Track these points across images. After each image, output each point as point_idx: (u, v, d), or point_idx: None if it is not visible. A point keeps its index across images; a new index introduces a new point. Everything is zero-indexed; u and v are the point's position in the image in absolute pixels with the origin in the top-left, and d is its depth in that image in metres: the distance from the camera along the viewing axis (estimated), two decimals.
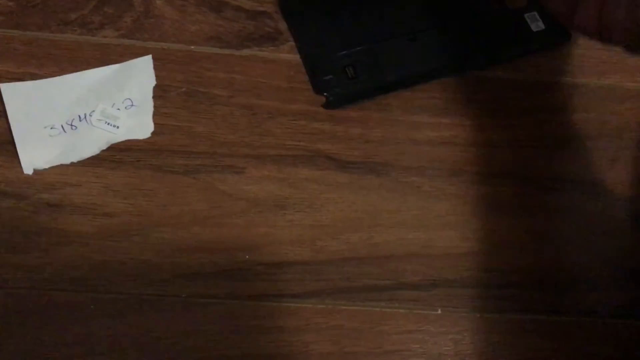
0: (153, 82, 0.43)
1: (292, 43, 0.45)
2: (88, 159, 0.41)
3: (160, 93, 0.43)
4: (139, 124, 0.42)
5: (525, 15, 0.46)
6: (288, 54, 0.44)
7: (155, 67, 0.43)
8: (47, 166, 0.41)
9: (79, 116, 0.42)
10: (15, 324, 0.38)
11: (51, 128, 0.42)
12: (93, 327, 0.39)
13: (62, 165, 0.41)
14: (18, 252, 0.39)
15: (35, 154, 0.41)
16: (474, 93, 0.45)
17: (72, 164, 0.41)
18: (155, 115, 0.42)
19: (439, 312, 0.41)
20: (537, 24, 0.45)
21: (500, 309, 0.41)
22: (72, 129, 0.42)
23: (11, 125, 0.41)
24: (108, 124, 0.42)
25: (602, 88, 0.46)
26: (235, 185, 0.42)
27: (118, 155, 0.42)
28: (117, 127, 0.42)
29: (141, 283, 0.39)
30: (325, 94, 0.43)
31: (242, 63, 0.44)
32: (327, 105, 0.43)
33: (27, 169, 0.41)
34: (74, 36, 0.43)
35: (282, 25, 0.45)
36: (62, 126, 0.42)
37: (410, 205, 0.42)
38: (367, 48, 0.44)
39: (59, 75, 0.43)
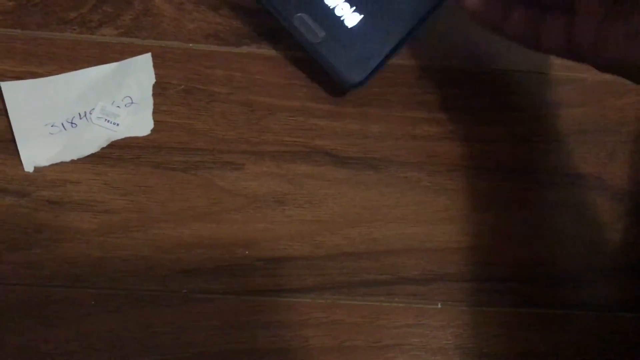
0: (152, 80, 0.43)
1: (290, 40, 0.45)
2: (88, 156, 0.42)
3: (159, 91, 0.43)
4: (138, 122, 0.42)
5: None
6: (286, 51, 0.44)
7: (155, 65, 0.43)
8: (47, 164, 0.41)
9: (79, 114, 0.42)
10: (16, 320, 0.38)
11: (52, 126, 0.42)
12: (93, 323, 0.39)
13: (62, 162, 0.41)
14: (19, 248, 0.40)
15: (36, 152, 0.41)
16: (472, 88, 0.45)
17: (73, 161, 0.41)
18: (154, 112, 0.43)
19: (439, 306, 0.41)
20: None
21: (499, 302, 0.41)
22: (72, 126, 0.42)
23: (12, 123, 0.42)
24: (108, 121, 0.42)
25: (600, 82, 0.46)
26: (234, 181, 0.42)
27: (118, 152, 0.42)
28: (117, 125, 0.42)
29: (141, 279, 0.40)
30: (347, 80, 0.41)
31: (241, 60, 0.44)
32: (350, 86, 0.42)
33: (28, 167, 0.41)
34: (74, 35, 0.44)
35: (280, 23, 0.45)
36: (62, 124, 0.42)
37: (409, 200, 0.42)
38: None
39: (59, 73, 0.43)
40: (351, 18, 0.42)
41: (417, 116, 0.44)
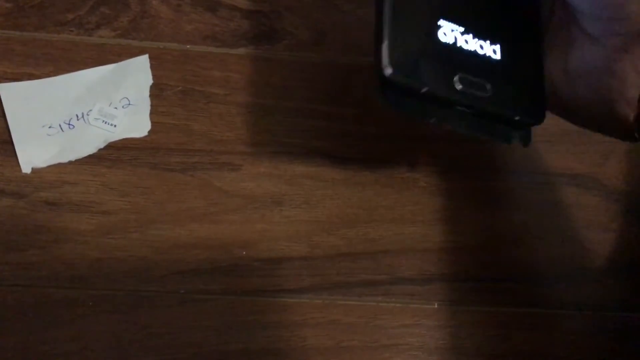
0: (150, 81, 0.43)
1: (287, 41, 0.45)
2: (86, 157, 0.42)
3: (156, 92, 0.43)
4: (136, 123, 0.43)
5: None
6: (283, 52, 0.45)
7: (152, 67, 0.44)
8: (45, 165, 0.41)
9: (77, 115, 0.42)
10: (14, 321, 0.38)
11: (49, 127, 0.42)
12: (91, 323, 0.39)
13: (60, 163, 0.41)
14: (16, 249, 0.40)
15: (34, 153, 0.41)
16: None
17: (70, 162, 0.41)
18: (152, 113, 0.43)
19: (435, 306, 0.41)
20: None
21: (496, 302, 0.41)
22: (69, 128, 0.42)
23: (9, 124, 0.42)
24: (105, 122, 0.42)
25: None
26: (232, 182, 0.42)
27: (115, 153, 0.42)
28: (115, 126, 0.42)
29: (139, 280, 0.40)
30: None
31: (238, 61, 0.44)
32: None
33: (26, 168, 0.41)
34: (71, 36, 0.44)
35: (277, 24, 0.45)
36: (60, 125, 0.42)
37: (406, 200, 0.43)
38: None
39: (57, 75, 0.43)
40: (493, 51, 0.35)
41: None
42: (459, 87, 0.33)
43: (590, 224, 0.43)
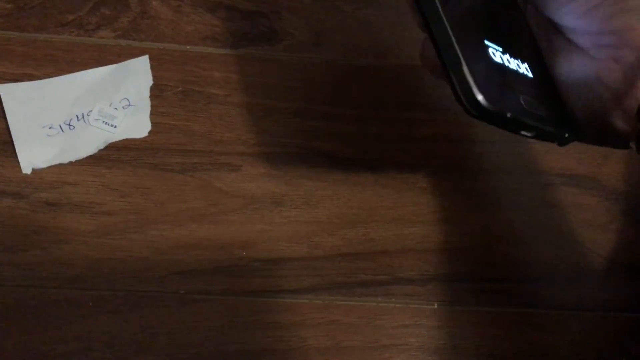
0: (150, 82, 0.43)
1: (287, 42, 0.45)
2: (86, 158, 0.42)
3: (157, 92, 0.43)
4: (136, 123, 0.43)
5: None
6: (283, 53, 0.45)
7: (152, 67, 0.44)
8: (45, 165, 0.41)
9: (77, 116, 0.42)
10: (14, 322, 0.39)
11: (49, 128, 0.42)
12: (91, 324, 0.39)
13: (60, 164, 0.41)
14: (17, 250, 0.40)
15: (34, 154, 0.41)
16: None
17: (70, 163, 0.41)
18: (152, 114, 0.43)
19: (435, 306, 0.41)
20: None
21: (496, 303, 0.41)
22: (70, 128, 0.42)
23: (10, 125, 0.42)
24: (105, 123, 0.42)
25: None
26: (232, 182, 0.42)
27: (115, 154, 0.42)
28: (115, 127, 0.42)
29: (139, 280, 0.40)
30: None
31: (238, 62, 0.44)
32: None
33: (26, 169, 0.41)
34: (72, 37, 0.44)
35: (277, 25, 0.45)
36: (60, 126, 0.42)
37: (406, 200, 0.43)
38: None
39: (57, 75, 0.43)
40: (526, 69, 0.34)
41: (414, 117, 0.44)
42: (527, 108, 0.31)
43: (590, 224, 0.43)
